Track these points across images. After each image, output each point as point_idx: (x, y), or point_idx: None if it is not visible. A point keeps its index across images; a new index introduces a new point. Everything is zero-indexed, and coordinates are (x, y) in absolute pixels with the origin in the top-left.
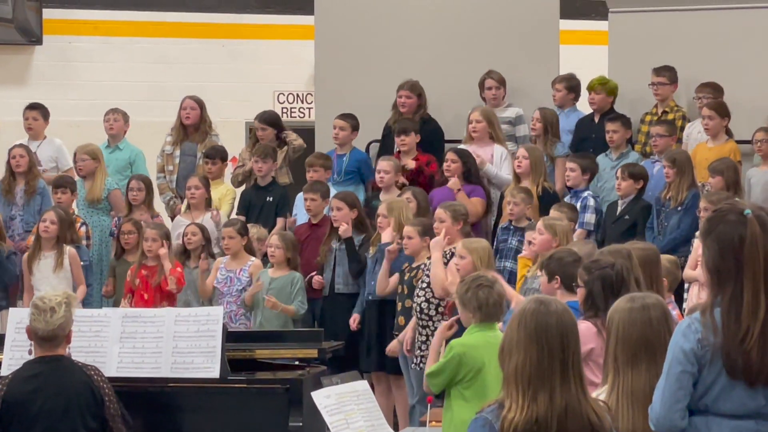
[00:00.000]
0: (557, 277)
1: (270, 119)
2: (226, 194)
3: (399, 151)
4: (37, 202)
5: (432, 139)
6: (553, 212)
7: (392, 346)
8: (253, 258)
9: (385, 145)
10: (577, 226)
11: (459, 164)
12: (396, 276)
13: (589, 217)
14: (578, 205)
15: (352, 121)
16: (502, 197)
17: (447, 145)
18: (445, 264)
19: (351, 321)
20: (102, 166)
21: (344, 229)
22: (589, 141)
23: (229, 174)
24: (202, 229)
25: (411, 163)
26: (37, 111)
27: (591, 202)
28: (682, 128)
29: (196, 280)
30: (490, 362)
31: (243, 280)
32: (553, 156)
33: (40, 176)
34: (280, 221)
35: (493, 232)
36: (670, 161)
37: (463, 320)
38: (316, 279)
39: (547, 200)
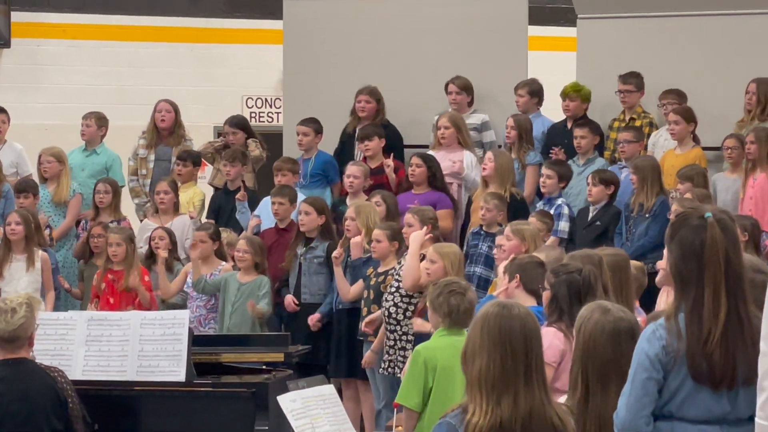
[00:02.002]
0: (517, 275)
1: (240, 123)
2: (194, 196)
3: (365, 157)
4: (1, 204)
5: (391, 145)
6: (533, 220)
7: (368, 359)
8: (224, 263)
9: (344, 151)
10: (551, 234)
11: (424, 169)
12: (360, 282)
13: (564, 225)
14: (551, 212)
15: (314, 125)
16: (470, 202)
17: (407, 151)
18: None
19: (310, 319)
20: (66, 168)
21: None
22: (561, 147)
23: (200, 178)
24: (170, 233)
25: (392, 175)
26: (5, 114)
27: (565, 210)
28: (650, 135)
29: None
30: (455, 366)
31: (222, 287)
32: (524, 163)
33: (5, 180)
34: (251, 222)
35: (460, 236)
36: (633, 168)
37: (432, 324)
38: (288, 299)
39: (515, 206)
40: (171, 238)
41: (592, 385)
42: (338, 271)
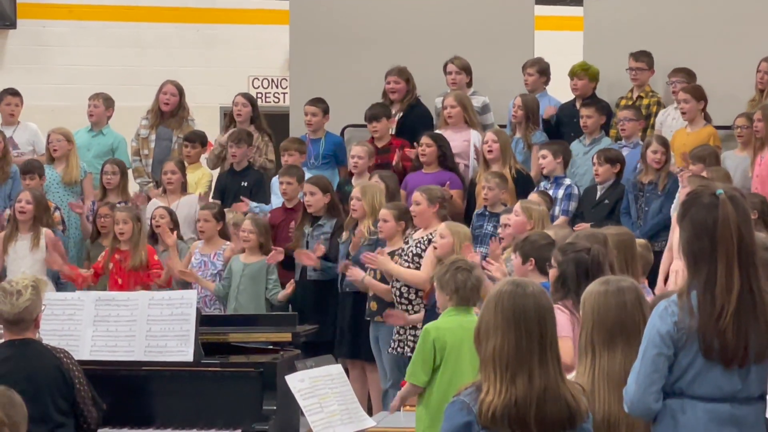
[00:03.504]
0: (532, 259)
1: (252, 100)
2: (201, 177)
3: (372, 138)
4: (8, 185)
5: (420, 124)
6: (532, 197)
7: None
8: (228, 242)
9: None
10: (560, 213)
11: (434, 148)
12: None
13: (573, 206)
14: (561, 192)
15: (322, 106)
16: (473, 184)
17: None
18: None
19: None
20: (74, 148)
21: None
22: (570, 126)
23: (204, 158)
24: (170, 212)
25: (411, 153)
26: (19, 97)
27: (575, 190)
28: (657, 114)
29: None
30: (464, 345)
31: (217, 265)
32: (531, 143)
33: (12, 161)
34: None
35: (465, 218)
36: (664, 146)
37: (440, 303)
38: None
39: (522, 183)
40: (171, 217)
41: (599, 348)
42: (376, 287)
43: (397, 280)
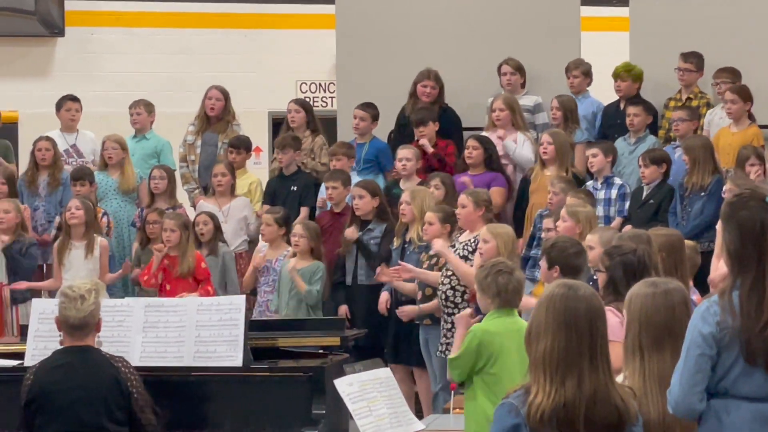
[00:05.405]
0: (557, 266)
1: (305, 105)
2: (251, 183)
3: (417, 140)
4: (59, 192)
5: (450, 128)
6: (570, 199)
7: (408, 310)
8: (290, 248)
9: (403, 134)
10: (616, 215)
11: (480, 151)
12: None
13: (628, 206)
14: (614, 193)
15: (372, 111)
16: (525, 181)
17: (465, 134)
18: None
19: (381, 300)
20: (128, 155)
21: (350, 231)
22: (615, 127)
23: (252, 164)
24: (213, 217)
25: (429, 148)
26: (79, 103)
27: (628, 189)
28: (705, 115)
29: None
30: (509, 348)
31: (279, 270)
32: (572, 142)
33: (63, 168)
34: (303, 210)
35: (513, 218)
36: (684, 148)
37: (482, 306)
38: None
39: (579, 186)
40: (214, 222)
41: (648, 350)
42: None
43: (443, 284)
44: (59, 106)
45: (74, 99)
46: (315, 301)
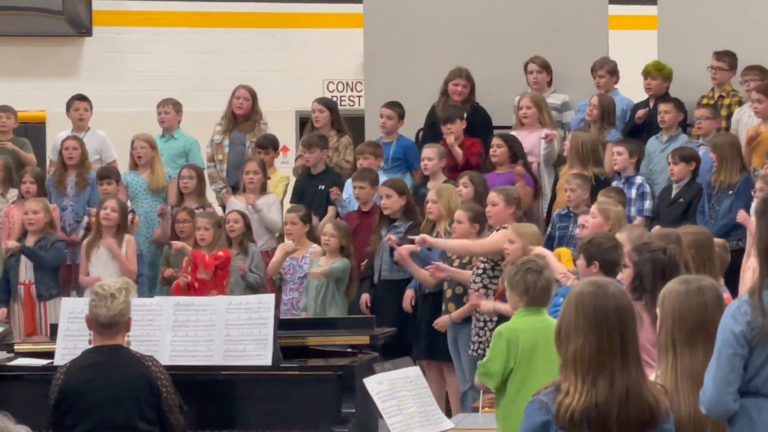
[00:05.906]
0: (596, 262)
1: (329, 104)
2: (279, 181)
3: (444, 138)
4: (87, 192)
5: (481, 127)
6: (601, 197)
7: (442, 321)
8: (315, 245)
9: (432, 133)
10: (636, 214)
11: (505, 149)
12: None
13: (649, 204)
14: (634, 192)
15: (398, 110)
16: (556, 180)
17: (495, 132)
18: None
19: (405, 297)
20: (158, 154)
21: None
22: (644, 126)
23: (280, 162)
24: (243, 215)
25: (457, 149)
26: (87, 102)
27: (648, 188)
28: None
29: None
30: (539, 345)
31: (305, 268)
32: (604, 142)
33: (91, 168)
34: (331, 209)
35: (547, 216)
36: (711, 146)
37: (511, 304)
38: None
39: (603, 185)
40: (245, 221)
41: (680, 347)
42: (412, 269)
43: (474, 282)
44: (68, 106)
45: (82, 98)
46: (337, 276)
